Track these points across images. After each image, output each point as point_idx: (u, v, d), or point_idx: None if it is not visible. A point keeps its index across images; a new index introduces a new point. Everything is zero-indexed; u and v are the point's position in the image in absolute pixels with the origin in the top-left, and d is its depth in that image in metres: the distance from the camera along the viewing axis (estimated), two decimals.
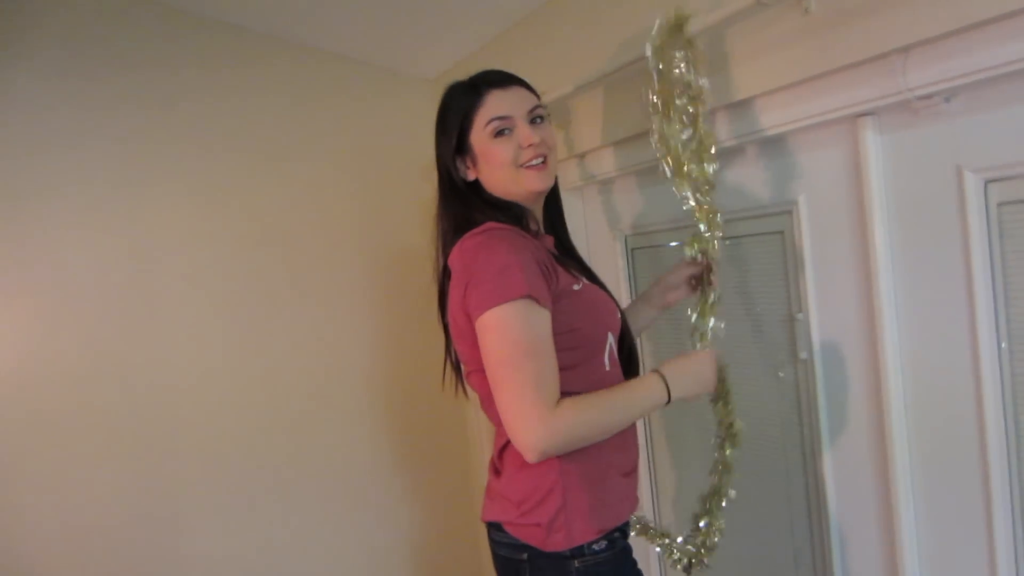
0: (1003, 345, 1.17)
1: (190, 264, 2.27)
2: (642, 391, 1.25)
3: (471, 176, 1.36)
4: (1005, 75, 1.05)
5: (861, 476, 1.40)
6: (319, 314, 2.46)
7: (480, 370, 1.26)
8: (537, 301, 1.17)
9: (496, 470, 1.37)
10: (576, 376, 1.23)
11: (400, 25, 2.24)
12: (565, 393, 1.17)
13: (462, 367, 1.41)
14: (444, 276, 1.37)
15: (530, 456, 1.15)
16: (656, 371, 1.27)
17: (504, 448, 1.33)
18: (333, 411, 2.49)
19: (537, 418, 1.12)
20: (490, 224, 1.27)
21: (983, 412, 1.18)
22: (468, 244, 1.25)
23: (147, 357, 2.21)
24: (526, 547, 1.27)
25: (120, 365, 2.18)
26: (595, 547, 1.26)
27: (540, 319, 1.18)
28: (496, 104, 1.31)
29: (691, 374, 1.29)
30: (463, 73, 1.38)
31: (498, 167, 1.32)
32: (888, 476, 1.32)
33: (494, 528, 1.34)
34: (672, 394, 1.25)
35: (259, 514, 2.36)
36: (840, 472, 1.45)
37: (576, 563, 1.25)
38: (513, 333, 1.15)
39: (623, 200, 1.96)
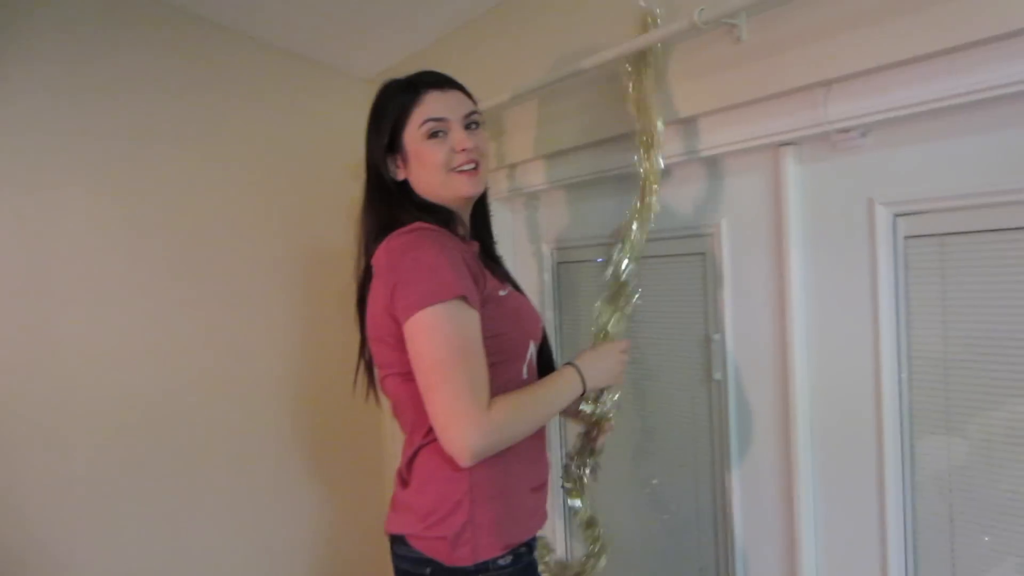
0: (903, 375, 1.22)
1: (94, 251, 2.15)
2: (562, 383, 1.29)
3: (401, 176, 1.34)
4: (918, 114, 1.10)
5: (766, 496, 1.43)
6: (232, 311, 2.38)
7: (398, 374, 1.24)
8: (468, 302, 1.16)
9: (403, 480, 1.33)
10: (492, 380, 1.21)
11: (340, 21, 2.20)
12: None
13: (376, 371, 1.38)
14: (365, 277, 1.34)
15: (464, 459, 1.14)
16: (570, 363, 1.31)
17: (413, 457, 1.30)
18: (243, 412, 2.40)
19: (473, 421, 1.12)
20: (418, 224, 1.25)
21: (882, 438, 1.23)
22: (395, 243, 1.22)
23: (41, 348, 2.09)
24: (430, 561, 1.24)
25: (10, 353, 2.05)
26: (500, 562, 1.25)
27: (471, 320, 1.17)
28: (433, 105, 1.30)
29: (601, 366, 1.34)
30: (400, 74, 1.37)
31: (430, 169, 1.30)
32: (792, 496, 1.36)
33: (397, 541, 1.30)
34: (587, 385, 1.30)
35: (156, 516, 2.25)
36: (746, 491, 1.48)
37: None
38: (446, 334, 1.14)
39: (551, 214, 1.97)
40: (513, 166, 1.93)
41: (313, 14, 2.17)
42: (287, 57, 2.45)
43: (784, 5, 1.21)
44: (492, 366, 1.20)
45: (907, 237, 1.20)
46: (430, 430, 1.21)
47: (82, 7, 2.10)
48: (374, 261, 1.26)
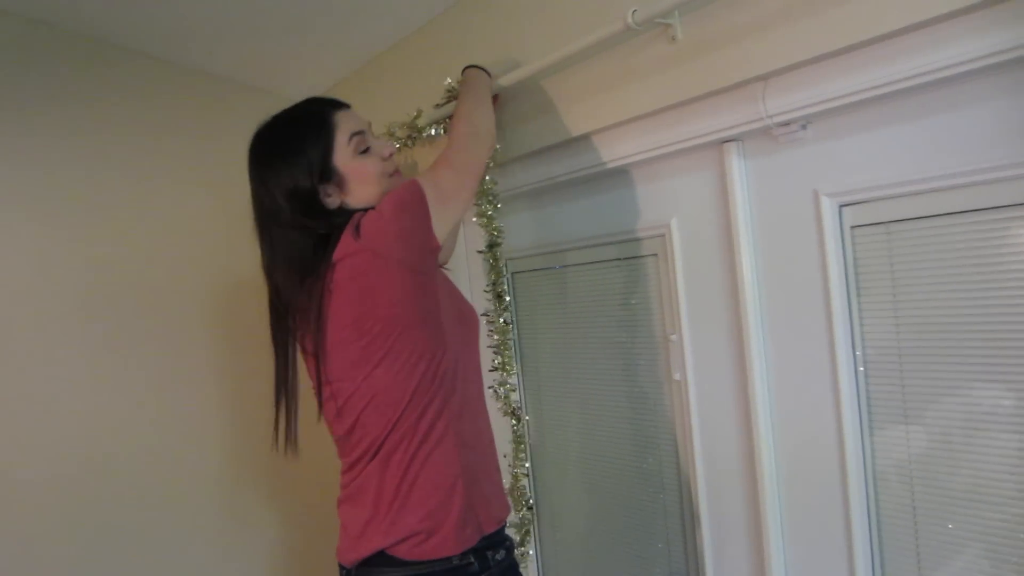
0: (860, 369, 1.21)
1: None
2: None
3: (337, 203, 1.31)
4: (855, 103, 1.10)
5: (731, 496, 1.42)
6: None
7: (379, 364, 1.20)
8: None
9: (366, 493, 1.25)
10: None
11: (273, 46, 2.16)
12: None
13: (330, 387, 1.28)
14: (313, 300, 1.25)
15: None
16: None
17: (391, 455, 1.23)
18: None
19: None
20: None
21: (842, 427, 1.22)
22: (366, 214, 1.23)
23: None
24: (431, 563, 1.20)
25: None
26: (497, 536, 1.30)
27: None
28: (349, 123, 1.32)
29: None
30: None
31: (370, 182, 1.32)
32: (757, 492, 1.35)
33: (375, 562, 1.22)
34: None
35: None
36: (712, 492, 1.47)
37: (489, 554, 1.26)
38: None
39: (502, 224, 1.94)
40: None
41: (239, 40, 2.13)
42: (217, 81, 2.39)
43: (717, 2, 1.20)
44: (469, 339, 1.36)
45: (853, 227, 1.20)
46: (418, 418, 1.22)
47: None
48: (365, 230, 1.21)
